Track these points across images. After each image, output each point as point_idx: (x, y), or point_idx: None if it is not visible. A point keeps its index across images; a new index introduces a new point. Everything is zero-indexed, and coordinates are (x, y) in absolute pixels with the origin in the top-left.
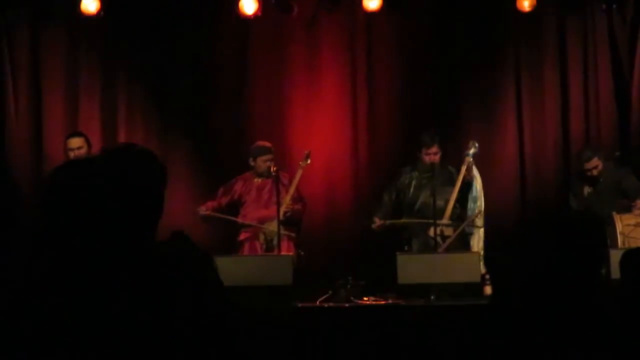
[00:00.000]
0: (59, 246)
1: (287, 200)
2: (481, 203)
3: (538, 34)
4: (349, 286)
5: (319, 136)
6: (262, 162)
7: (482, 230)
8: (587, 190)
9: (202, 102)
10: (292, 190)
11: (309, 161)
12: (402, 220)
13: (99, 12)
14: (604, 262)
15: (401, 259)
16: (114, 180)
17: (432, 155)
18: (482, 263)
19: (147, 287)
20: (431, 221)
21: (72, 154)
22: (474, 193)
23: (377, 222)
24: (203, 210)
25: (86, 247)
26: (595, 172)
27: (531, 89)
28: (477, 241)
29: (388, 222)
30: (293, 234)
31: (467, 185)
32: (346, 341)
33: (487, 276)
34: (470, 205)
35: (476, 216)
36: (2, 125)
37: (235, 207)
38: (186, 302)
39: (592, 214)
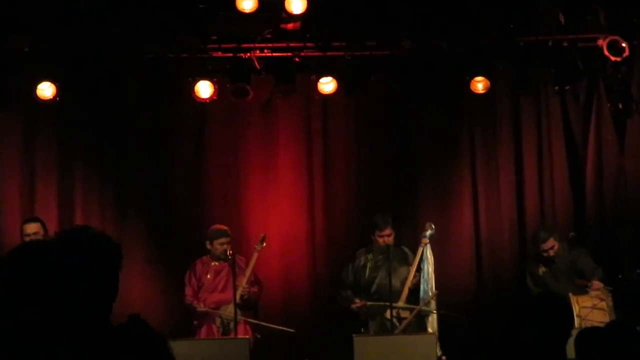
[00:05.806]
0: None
1: (243, 283)
2: (432, 285)
3: (492, 116)
4: None
5: (276, 219)
6: (219, 245)
7: (435, 313)
8: (542, 270)
9: (159, 185)
10: (248, 273)
11: (264, 244)
12: (380, 303)
13: (54, 97)
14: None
15: (358, 341)
16: (68, 261)
17: (385, 237)
18: (438, 345)
19: None
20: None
21: (28, 240)
22: (425, 276)
23: (358, 302)
24: (201, 307)
25: (39, 328)
26: (551, 253)
27: (486, 169)
28: (433, 323)
29: (368, 303)
30: (250, 319)
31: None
32: None
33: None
34: (423, 287)
35: (432, 298)
36: None
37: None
38: None
39: (561, 296)
